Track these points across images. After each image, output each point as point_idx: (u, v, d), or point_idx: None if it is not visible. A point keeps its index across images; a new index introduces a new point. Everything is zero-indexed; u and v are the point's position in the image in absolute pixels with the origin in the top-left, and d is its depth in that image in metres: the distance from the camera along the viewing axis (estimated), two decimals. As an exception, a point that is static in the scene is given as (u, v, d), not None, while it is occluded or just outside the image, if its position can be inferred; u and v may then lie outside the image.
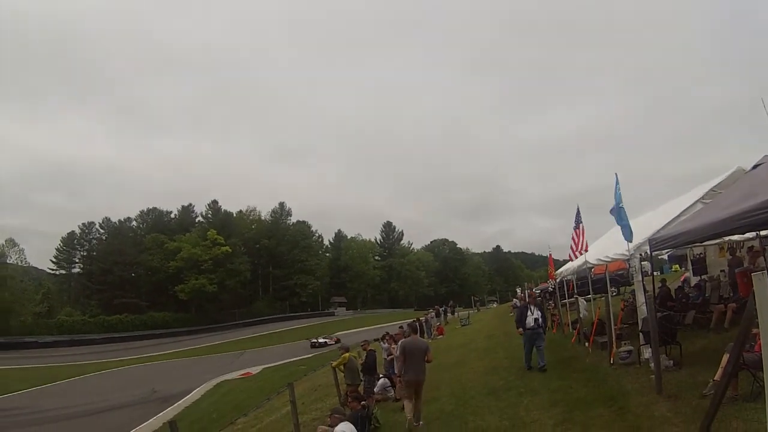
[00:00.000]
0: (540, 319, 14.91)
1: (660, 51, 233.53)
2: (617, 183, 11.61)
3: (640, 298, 12.16)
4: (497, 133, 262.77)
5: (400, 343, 13.37)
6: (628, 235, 11.48)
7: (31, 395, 45.21)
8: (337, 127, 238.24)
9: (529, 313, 15.03)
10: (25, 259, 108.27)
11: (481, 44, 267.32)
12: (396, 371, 14.78)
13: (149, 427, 30.14)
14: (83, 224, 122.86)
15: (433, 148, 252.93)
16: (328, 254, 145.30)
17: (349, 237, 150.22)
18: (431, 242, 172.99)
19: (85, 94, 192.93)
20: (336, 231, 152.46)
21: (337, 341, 54.96)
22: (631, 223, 11.61)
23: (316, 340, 66.45)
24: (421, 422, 11.59)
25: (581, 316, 18.85)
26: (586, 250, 16.75)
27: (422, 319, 37.17)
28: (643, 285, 12.50)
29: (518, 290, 54.37)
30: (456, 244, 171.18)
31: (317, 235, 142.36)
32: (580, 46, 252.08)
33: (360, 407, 12.28)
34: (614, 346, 12.89)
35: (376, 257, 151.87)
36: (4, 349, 78.59)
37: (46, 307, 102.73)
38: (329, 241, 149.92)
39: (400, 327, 19.41)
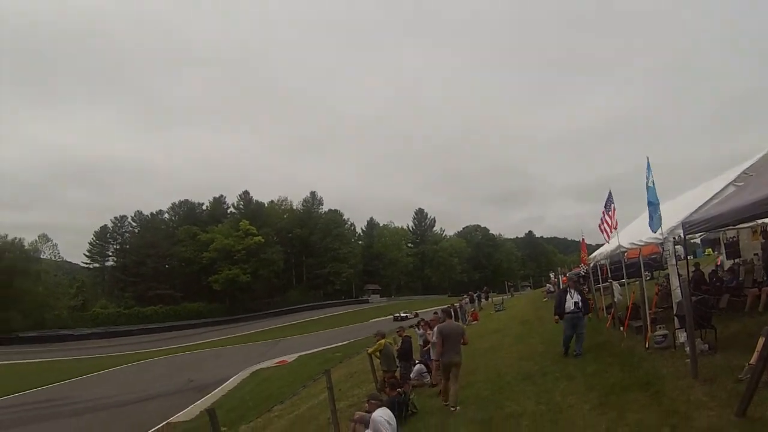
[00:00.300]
0: (580, 303, 14.43)
1: (689, 35, 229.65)
2: (649, 167, 11.49)
3: (675, 282, 11.90)
4: (529, 119, 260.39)
5: (436, 327, 13.72)
6: (655, 223, 11.43)
7: (68, 386, 46.11)
8: (367, 116, 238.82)
9: (568, 297, 14.56)
10: (58, 253, 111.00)
11: (510, 31, 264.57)
12: (433, 356, 14.85)
13: (186, 416, 30.63)
14: (115, 218, 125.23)
15: (463, 136, 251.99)
16: (360, 242, 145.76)
17: (381, 225, 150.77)
18: (463, 228, 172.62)
19: (114, 91, 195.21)
20: (368, 219, 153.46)
21: (416, 316, 56.06)
22: (663, 207, 11.51)
23: (399, 315, 73.20)
24: (457, 407, 11.73)
25: (615, 300, 18.68)
26: (614, 228, 16.68)
27: (456, 304, 37.21)
28: (677, 269, 12.39)
29: (551, 275, 54.02)
30: (488, 230, 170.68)
31: (349, 223, 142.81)
32: (610, 30, 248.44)
33: (397, 393, 12.45)
34: (649, 330, 12.82)
35: (409, 244, 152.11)
36: (40, 342, 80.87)
37: (80, 301, 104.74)
38: (361, 229, 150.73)
39: (435, 312, 19.46)
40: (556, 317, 14.92)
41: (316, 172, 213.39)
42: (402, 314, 74.04)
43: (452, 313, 21.65)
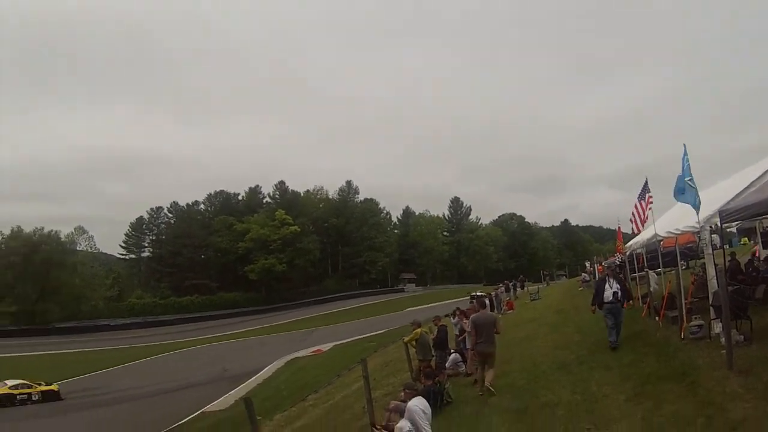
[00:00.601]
0: (619, 293, 13.94)
1: (726, 18, 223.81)
2: (685, 154, 11.41)
3: (711, 272, 11.81)
4: (563, 107, 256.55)
5: (471, 318, 14.23)
6: (693, 198, 11.28)
7: (104, 376, 47.24)
8: (400, 106, 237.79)
9: (607, 286, 14.09)
10: (94, 245, 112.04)
11: (543, 17, 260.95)
12: (469, 345, 14.95)
13: (221, 405, 31.09)
14: (151, 209, 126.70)
15: (497, 124, 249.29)
16: (396, 231, 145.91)
17: (417, 213, 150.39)
18: (499, 217, 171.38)
19: (149, 83, 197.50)
20: (404, 208, 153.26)
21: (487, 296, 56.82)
22: (700, 194, 11.34)
23: (475, 294, 72.25)
24: (493, 390, 12.15)
25: (651, 290, 18.55)
26: (645, 221, 16.59)
27: (492, 293, 37.20)
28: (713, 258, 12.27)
29: (587, 264, 53.62)
30: (524, 219, 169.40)
31: (385, 212, 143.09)
32: (644, 15, 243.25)
33: (432, 383, 12.60)
34: (685, 320, 12.75)
35: (445, 233, 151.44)
36: (76, 333, 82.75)
37: (116, 291, 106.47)
38: (397, 218, 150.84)
39: (471, 301, 19.49)
40: (594, 307, 14.64)
41: (352, 161, 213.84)
42: (478, 293, 74.34)
43: (486, 303, 21.87)
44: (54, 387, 39.05)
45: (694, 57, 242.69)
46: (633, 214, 18.49)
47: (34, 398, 37.10)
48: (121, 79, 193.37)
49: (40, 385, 38.30)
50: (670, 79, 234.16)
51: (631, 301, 15.56)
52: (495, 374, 12.77)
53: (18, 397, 36.77)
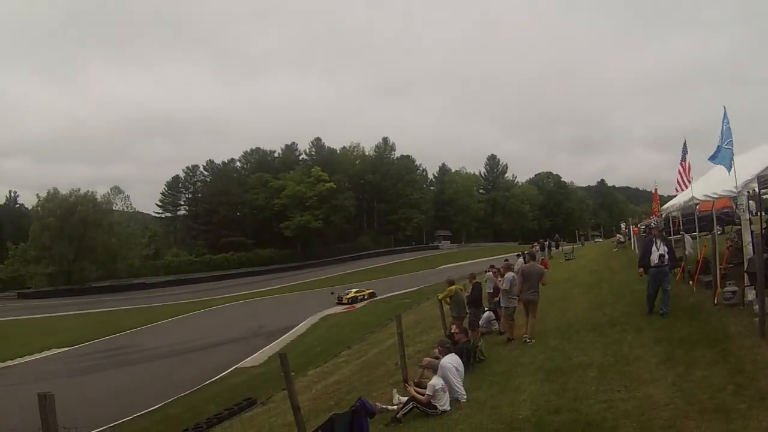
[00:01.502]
0: (666, 255, 13.10)
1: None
2: (725, 116, 11.30)
3: (747, 238, 11.68)
4: (603, 67, 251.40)
5: (521, 268, 15.16)
6: (727, 162, 11.29)
7: (142, 333, 48.55)
8: (439, 62, 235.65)
9: (654, 248, 13.26)
10: (130, 204, 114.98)
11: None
12: (503, 303, 15.11)
13: (255, 361, 31.74)
14: (187, 167, 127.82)
15: (536, 83, 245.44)
16: (432, 188, 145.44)
17: (453, 171, 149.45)
18: (535, 175, 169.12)
19: (184, 41, 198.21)
20: (440, 165, 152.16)
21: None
22: (737, 160, 11.32)
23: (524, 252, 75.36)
24: (533, 339, 13.28)
25: (686, 253, 18.42)
26: (689, 182, 16.46)
27: (527, 252, 37.25)
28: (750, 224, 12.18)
29: (622, 226, 53.04)
30: (560, 178, 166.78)
31: (421, 169, 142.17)
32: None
33: (465, 341, 12.85)
34: (719, 286, 12.69)
35: (481, 191, 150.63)
36: (113, 292, 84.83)
37: (153, 250, 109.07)
38: (433, 175, 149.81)
39: (505, 260, 19.60)
40: (641, 270, 13.76)
41: (389, 118, 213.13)
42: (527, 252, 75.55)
43: (535, 255, 22.45)
44: (371, 290, 60.26)
45: (741, 18, 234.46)
46: (679, 174, 18.31)
47: (365, 298, 56.59)
48: (158, 39, 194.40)
49: (367, 290, 59.99)
50: (714, 40, 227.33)
51: (677, 269, 14.42)
52: (533, 326, 13.36)
53: (359, 297, 56.01)
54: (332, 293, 58.01)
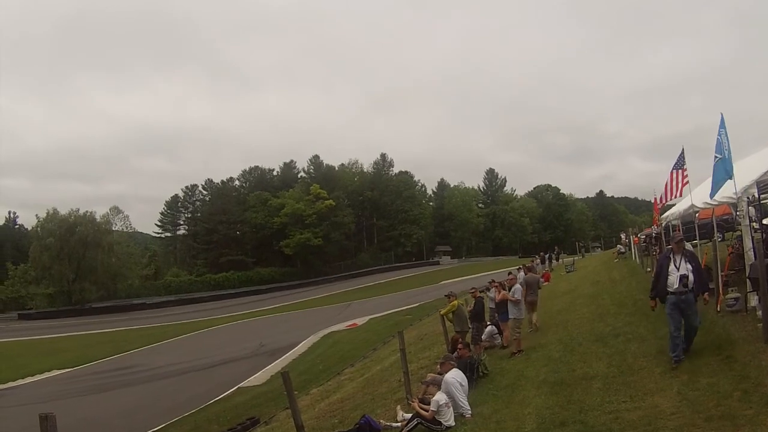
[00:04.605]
0: (690, 276, 9.68)
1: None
2: (722, 124, 11.23)
3: (748, 244, 11.66)
4: (597, 76, 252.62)
5: (522, 278, 18.33)
6: (722, 172, 11.13)
7: (143, 354, 47.78)
8: (434, 76, 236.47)
9: (672, 267, 9.87)
10: (130, 224, 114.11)
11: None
12: (520, 296, 15.82)
13: (258, 380, 31.52)
14: (186, 187, 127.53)
15: (531, 93, 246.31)
16: (431, 203, 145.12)
17: (451, 185, 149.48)
18: (534, 188, 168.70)
19: (179, 58, 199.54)
20: (438, 180, 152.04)
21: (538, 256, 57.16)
22: (736, 166, 11.17)
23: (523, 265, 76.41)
24: (537, 329, 16.96)
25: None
26: (680, 195, 16.46)
27: (528, 265, 37.24)
28: (751, 230, 12.14)
29: (622, 236, 52.98)
30: (559, 190, 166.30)
31: (420, 184, 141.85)
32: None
33: (468, 355, 12.80)
34: (721, 293, 12.64)
35: (480, 205, 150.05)
36: (113, 312, 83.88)
37: (152, 270, 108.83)
38: (432, 190, 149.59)
39: (509, 273, 20.05)
40: (654, 302, 10.48)
41: (386, 135, 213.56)
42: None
43: (533, 267, 27.03)
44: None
45: (736, 25, 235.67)
46: (670, 181, 18.31)
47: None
48: (154, 56, 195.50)
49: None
50: (708, 47, 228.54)
51: (706, 294, 10.25)
52: (531, 345, 13.78)
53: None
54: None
